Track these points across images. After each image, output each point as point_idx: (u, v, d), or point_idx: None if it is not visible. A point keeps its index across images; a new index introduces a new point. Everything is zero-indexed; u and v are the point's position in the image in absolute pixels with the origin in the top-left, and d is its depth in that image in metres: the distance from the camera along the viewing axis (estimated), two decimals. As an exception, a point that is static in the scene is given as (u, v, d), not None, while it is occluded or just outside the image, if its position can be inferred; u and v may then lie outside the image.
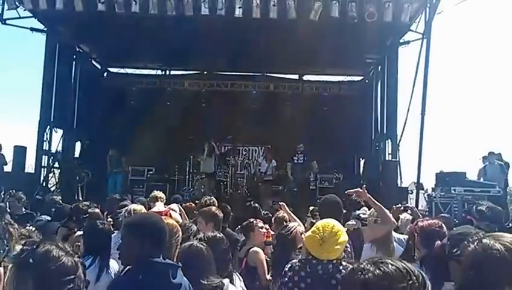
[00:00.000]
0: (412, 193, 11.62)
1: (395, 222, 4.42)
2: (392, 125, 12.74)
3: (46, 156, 13.09)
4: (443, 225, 3.28)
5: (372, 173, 13.87)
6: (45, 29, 12.65)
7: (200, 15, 10.69)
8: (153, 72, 16.88)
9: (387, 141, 13.18)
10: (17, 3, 11.29)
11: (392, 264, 1.35)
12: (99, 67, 16.50)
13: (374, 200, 4.13)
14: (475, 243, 1.70)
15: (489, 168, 11.59)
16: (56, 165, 13.69)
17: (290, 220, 5.07)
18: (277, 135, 14.26)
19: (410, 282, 1.32)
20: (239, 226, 5.56)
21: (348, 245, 3.34)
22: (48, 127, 13.04)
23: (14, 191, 8.14)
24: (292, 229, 4.04)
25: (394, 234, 4.39)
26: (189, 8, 10.71)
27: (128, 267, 2.63)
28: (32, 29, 12.67)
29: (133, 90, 15.68)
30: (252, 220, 4.89)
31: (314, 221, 4.24)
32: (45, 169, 13.09)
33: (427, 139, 11.36)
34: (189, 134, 14.84)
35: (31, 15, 12.06)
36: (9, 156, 12.49)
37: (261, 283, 4.26)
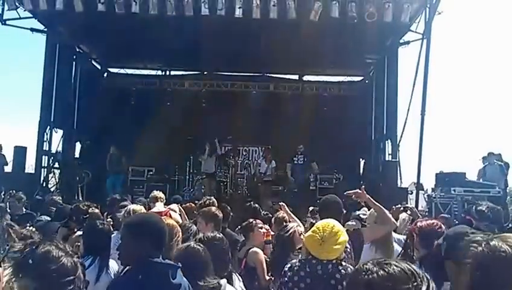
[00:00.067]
0: (411, 193, 11.61)
1: (395, 222, 4.42)
2: (392, 126, 12.75)
3: (46, 157, 13.08)
4: (442, 225, 3.28)
5: (372, 173, 13.89)
6: (45, 29, 12.65)
7: (200, 15, 10.68)
8: (153, 72, 16.88)
9: (387, 141, 13.18)
10: (17, 4, 11.28)
11: (397, 266, 1.34)
12: (99, 67, 16.51)
13: (373, 200, 4.13)
14: (483, 245, 1.70)
15: (489, 168, 11.59)
16: (56, 165, 13.69)
17: (289, 221, 5.08)
18: (277, 135, 14.25)
19: (415, 284, 1.30)
20: (239, 227, 5.57)
21: (348, 246, 3.35)
22: (48, 127, 13.04)
23: (14, 191, 8.15)
24: (290, 229, 4.05)
25: (394, 234, 4.39)
26: (189, 9, 10.71)
27: (127, 267, 2.64)
28: (32, 29, 12.67)
29: (133, 91, 15.68)
30: (251, 220, 4.90)
31: (314, 221, 4.24)
32: (45, 169, 13.09)
33: (427, 140, 11.37)
34: (190, 134, 14.82)
35: (31, 15, 12.05)
36: (9, 156, 12.53)
37: (261, 283, 4.27)
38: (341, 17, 10.60)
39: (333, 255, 2.93)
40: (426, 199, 11.17)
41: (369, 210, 4.93)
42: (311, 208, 7.21)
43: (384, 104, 13.27)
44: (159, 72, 16.80)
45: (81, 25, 12.11)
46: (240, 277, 3.51)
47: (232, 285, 3.19)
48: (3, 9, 11.80)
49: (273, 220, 5.80)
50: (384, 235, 4.12)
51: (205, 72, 16.41)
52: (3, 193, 9.53)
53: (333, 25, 11.12)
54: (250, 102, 15.30)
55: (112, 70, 16.94)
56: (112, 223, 4.92)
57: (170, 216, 5.17)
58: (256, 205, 6.67)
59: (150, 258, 2.47)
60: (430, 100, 12.16)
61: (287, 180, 12.89)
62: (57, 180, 13.68)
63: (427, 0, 11.01)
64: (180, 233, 3.72)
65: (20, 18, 12.01)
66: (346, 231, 3.22)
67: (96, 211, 5.63)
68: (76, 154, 14.88)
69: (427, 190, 12.25)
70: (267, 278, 4.31)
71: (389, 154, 13.03)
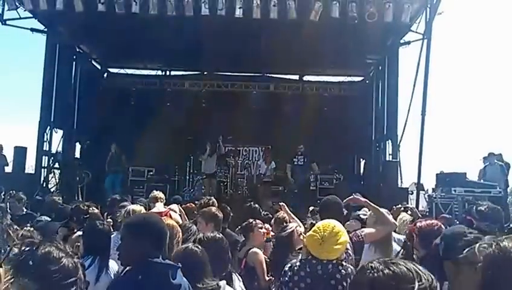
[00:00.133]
0: (412, 193, 11.61)
1: (395, 222, 4.42)
2: (393, 126, 12.74)
3: (46, 157, 13.08)
4: (442, 225, 3.28)
5: (372, 173, 13.88)
6: (45, 29, 12.64)
7: (200, 15, 10.68)
8: (153, 72, 16.88)
9: (387, 142, 13.17)
10: (17, 4, 11.28)
11: (403, 265, 1.35)
12: (100, 67, 16.51)
13: (371, 203, 4.14)
14: (493, 246, 1.70)
15: (489, 168, 11.59)
16: (56, 165, 13.69)
17: (290, 221, 5.08)
18: (277, 136, 14.26)
19: (420, 284, 1.30)
20: (239, 227, 5.56)
21: (348, 246, 3.34)
22: (48, 127, 13.03)
23: (14, 191, 8.13)
24: (289, 230, 4.05)
25: (394, 234, 4.39)
26: (189, 9, 10.70)
27: (127, 267, 2.63)
28: (32, 29, 12.67)
29: (133, 91, 15.69)
30: (251, 220, 4.89)
31: (314, 222, 4.24)
32: (45, 170, 13.08)
33: (427, 140, 11.38)
34: (190, 134, 14.85)
35: (31, 15, 12.05)
36: (9, 156, 12.54)
37: (260, 284, 4.26)
38: (341, 17, 10.60)
39: (333, 256, 2.92)
40: (427, 199, 11.16)
41: (369, 211, 4.92)
42: (311, 208, 7.20)
43: (385, 104, 13.27)
44: (159, 72, 16.80)
45: (81, 25, 12.11)
46: (239, 277, 3.51)
47: (232, 285, 3.19)
48: (3, 9, 11.80)
49: (273, 221, 5.80)
50: (385, 236, 4.12)
51: (205, 72, 16.40)
52: (3, 193, 9.52)
53: (333, 25, 11.11)
54: (251, 102, 15.30)
55: (112, 70, 16.94)
56: (112, 223, 4.92)
57: (170, 216, 5.17)
58: (256, 206, 6.66)
59: (149, 259, 2.47)
60: (430, 100, 12.19)
61: (286, 181, 12.88)
62: (57, 180, 13.68)
63: (428, 1, 11.00)
64: (181, 234, 3.72)
65: (20, 18, 12.01)
66: (347, 231, 3.22)
67: (96, 211, 5.64)
68: (77, 155, 14.89)
69: (427, 190, 12.25)
70: (267, 278, 4.31)
71: (389, 154, 13.01)
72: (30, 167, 13.14)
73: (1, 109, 38.31)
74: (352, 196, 4.21)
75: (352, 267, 3.03)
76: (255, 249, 4.47)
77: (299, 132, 13.67)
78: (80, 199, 10.83)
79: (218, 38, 12.06)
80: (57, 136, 13.69)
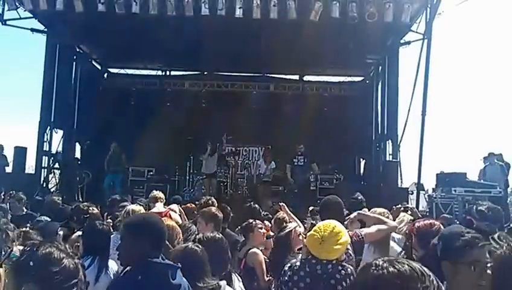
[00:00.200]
0: (412, 193, 11.61)
1: (395, 225, 4.41)
2: (393, 126, 12.73)
3: (47, 157, 13.07)
4: (440, 225, 3.27)
5: (372, 173, 13.88)
6: (45, 29, 12.65)
7: (200, 15, 10.67)
8: (153, 72, 16.87)
9: (387, 142, 13.16)
10: (17, 4, 11.28)
11: (408, 265, 1.35)
12: (100, 67, 16.50)
13: (368, 214, 4.15)
14: (504, 247, 1.71)
15: (489, 168, 11.58)
16: (56, 166, 13.68)
17: (290, 221, 5.07)
18: (277, 136, 14.24)
19: (424, 285, 1.30)
20: (239, 227, 5.56)
21: (348, 247, 3.34)
22: (48, 127, 13.02)
23: (14, 191, 8.13)
24: (287, 230, 4.05)
25: (394, 234, 4.39)
26: (189, 9, 10.70)
27: (127, 267, 2.63)
28: (32, 29, 12.67)
29: (133, 91, 15.68)
30: (251, 221, 4.89)
31: (314, 222, 4.23)
32: (45, 170, 13.07)
33: (427, 140, 11.36)
34: (190, 135, 14.84)
35: (31, 16, 12.05)
36: (9, 157, 12.54)
37: (260, 284, 4.26)
38: (341, 17, 10.59)
39: (333, 256, 2.92)
40: (427, 199, 11.16)
41: (369, 211, 4.92)
42: (311, 208, 7.19)
43: (385, 104, 13.26)
44: (159, 73, 16.79)
45: (81, 25, 12.09)
46: (239, 277, 3.51)
47: (232, 285, 3.19)
48: (3, 10, 11.80)
49: (272, 221, 5.79)
50: (384, 236, 4.11)
51: (205, 73, 16.40)
52: (3, 193, 9.52)
53: (334, 25, 11.11)
54: (251, 102, 15.29)
55: (112, 70, 16.93)
56: (111, 223, 4.92)
57: (170, 216, 5.17)
58: (256, 206, 6.66)
59: (149, 259, 2.47)
60: (430, 100, 12.14)
61: (286, 181, 12.87)
62: (57, 180, 13.67)
63: (428, 1, 11.00)
64: (181, 235, 3.72)
65: (20, 18, 12.01)
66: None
67: (96, 211, 5.64)
68: (77, 155, 14.88)
69: (427, 190, 12.25)
70: (267, 279, 4.30)
71: (389, 154, 13.00)
72: (30, 167, 13.14)
73: (1, 109, 38.28)
74: (357, 213, 4.20)
75: (352, 267, 3.02)
76: (254, 250, 4.46)
77: (299, 132, 13.66)
78: (80, 199, 10.84)
79: (218, 38, 12.05)
80: (57, 136, 13.70)
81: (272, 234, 4.93)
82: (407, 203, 8.62)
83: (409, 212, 5.90)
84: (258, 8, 10.53)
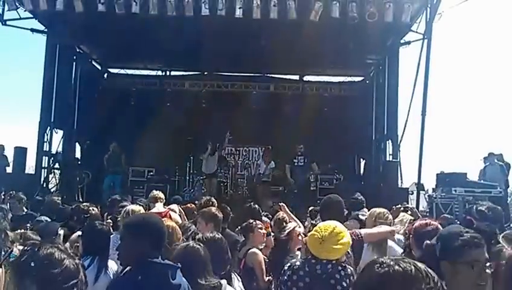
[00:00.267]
0: (412, 193, 11.60)
1: (395, 229, 4.40)
2: (393, 126, 12.73)
3: (47, 157, 13.07)
4: (438, 225, 3.26)
5: (372, 173, 13.88)
6: (45, 30, 12.65)
7: (201, 15, 10.67)
8: (153, 72, 16.87)
9: (387, 142, 13.16)
10: (17, 4, 11.28)
11: (413, 264, 1.35)
12: (100, 68, 16.50)
13: (369, 230, 4.14)
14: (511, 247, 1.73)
15: (489, 169, 11.59)
16: (56, 166, 13.68)
17: (289, 221, 5.07)
18: (277, 136, 14.24)
19: (429, 287, 1.30)
20: (239, 227, 5.56)
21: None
22: (48, 128, 13.02)
23: (14, 192, 8.14)
24: (287, 230, 4.05)
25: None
26: (189, 9, 10.69)
27: (127, 267, 2.63)
28: (32, 30, 12.66)
29: (133, 91, 15.68)
30: (251, 221, 4.89)
31: (313, 222, 4.24)
32: (45, 170, 13.08)
33: (427, 140, 11.36)
34: (190, 135, 14.85)
35: (31, 16, 12.05)
36: (9, 157, 12.53)
37: (259, 284, 4.26)
38: (341, 17, 10.59)
39: (333, 256, 2.92)
40: (427, 200, 11.16)
41: (369, 211, 4.92)
42: (310, 208, 7.19)
43: (385, 104, 13.25)
44: (159, 73, 16.78)
45: (81, 26, 12.09)
46: (239, 277, 3.51)
47: (231, 285, 3.19)
48: (3, 10, 11.80)
49: (272, 222, 5.79)
50: (382, 238, 4.12)
51: (205, 73, 16.40)
52: (3, 193, 9.53)
53: (334, 25, 11.10)
54: (251, 102, 15.30)
55: (112, 70, 16.93)
56: (111, 223, 4.92)
57: (170, 217, 5.17)
58: (256, 206, 6.66)
59: (149, 259, 2.47)
60: (430, 100, 12.15)
61: (286, 181, 12.86)
62: (57, 181, 13.67)
63: (428, 1, 11.00)
64: (181, 235, 3.72)
65: (20, 18, 12.01)
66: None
67: (96, 211, 5.64)
68: (77, 155, 14.88)
69: (427, 190, 12.24)
70: (266, 279, 4.30)
71: (389, 154, 13.01)
72: (30, 167, 13.13)
73: (1, 109, 38.27)
74: (364, 233, 4.19)
75: (352, 267, 3.02)
76: (254, 250, 4.46)
77: (299, 132, 13.66)
78: (80, 199, 10.84)
79: (218, 38, 12.05)
80: (57, 136, 13.70)
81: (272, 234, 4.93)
82: (407, 203, 8.63)
83: (409, 212, 5.91)
84: (258, 8, 10.53)
